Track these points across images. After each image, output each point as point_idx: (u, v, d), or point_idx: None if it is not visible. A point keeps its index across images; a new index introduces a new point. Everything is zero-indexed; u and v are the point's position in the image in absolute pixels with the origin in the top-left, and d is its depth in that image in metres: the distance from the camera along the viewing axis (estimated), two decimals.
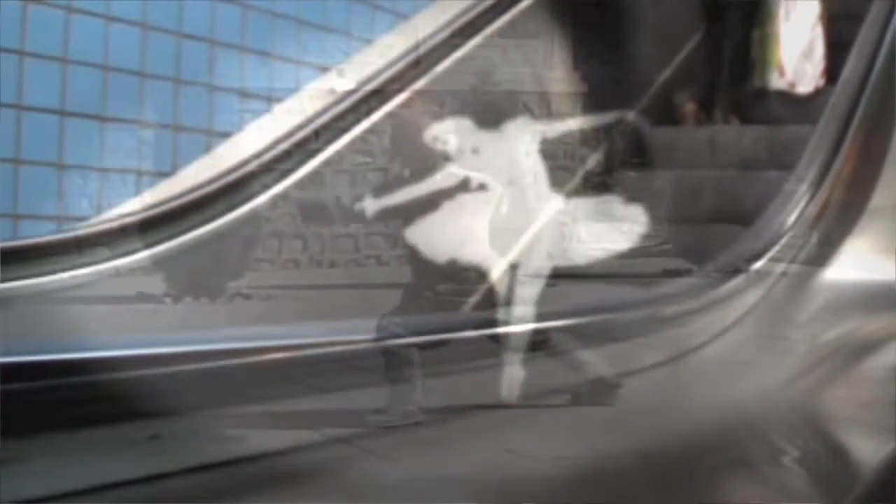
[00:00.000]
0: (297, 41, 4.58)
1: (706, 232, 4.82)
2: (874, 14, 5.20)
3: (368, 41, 4.81)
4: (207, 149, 4.28)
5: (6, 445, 2.56)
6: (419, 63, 4.51)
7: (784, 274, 4.41)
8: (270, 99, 4.47)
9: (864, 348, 4.20)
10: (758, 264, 4.45)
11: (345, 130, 4.37)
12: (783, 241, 4.53)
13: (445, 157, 3.49)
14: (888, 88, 4.88)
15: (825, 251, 4.53)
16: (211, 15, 4.34)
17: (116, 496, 2.63)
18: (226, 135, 4.33)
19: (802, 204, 4.59)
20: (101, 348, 3.10)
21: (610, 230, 3.62)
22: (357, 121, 4.39)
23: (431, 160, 3.48)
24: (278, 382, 3.32)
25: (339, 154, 4.36)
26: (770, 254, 4.48)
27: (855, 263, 4.49)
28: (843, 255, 4.54)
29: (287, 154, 4.26)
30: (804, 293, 4.42)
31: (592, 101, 4.71)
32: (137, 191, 4.09)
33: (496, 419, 3.48)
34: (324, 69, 4.66)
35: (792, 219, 4.57)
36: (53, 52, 3.84)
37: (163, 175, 4.16)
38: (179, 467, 2.80)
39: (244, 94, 4.41)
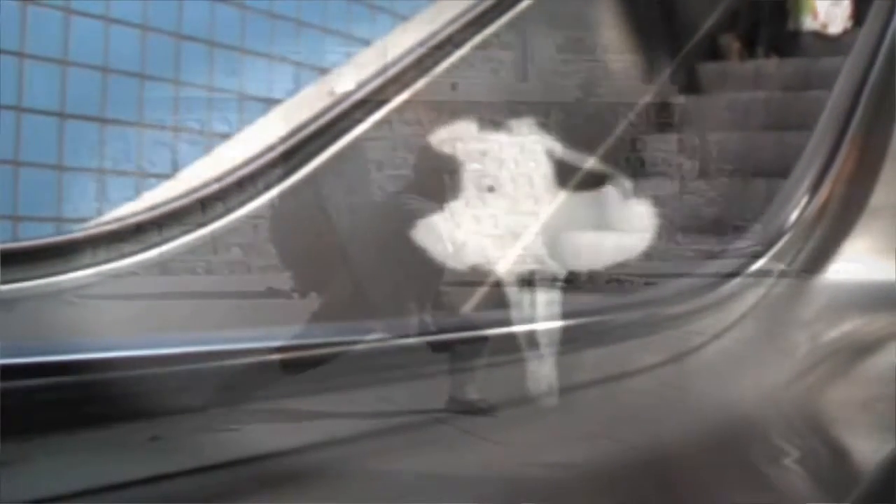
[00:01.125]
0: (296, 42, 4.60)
1: (761, 137, 5.63)
2: None
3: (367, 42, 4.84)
4: (207, 150, 4.29)
5: (7, 446, 2.55)
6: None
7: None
8: (270, 100, 4.49)
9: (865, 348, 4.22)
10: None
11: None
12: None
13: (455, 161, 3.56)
14: None
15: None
16: (210, 16, 4.35)
17: (117, 497, 2.63)
18: (225, 136, 4.34)
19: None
20: (102, 349, 3.10)
21: None
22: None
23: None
24: (279, 382, 3.33)
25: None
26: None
27: None
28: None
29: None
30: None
31: (650, 45, 5.70)
32: (137, 192, 4.09)
33: (497, 419, 3.48)
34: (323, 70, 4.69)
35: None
36: (53, 54, 3.84)
37: (162, 177, 4.17)
38: (180, 468, 2.80)
39: (244, 95, 4.42)
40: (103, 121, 3.99)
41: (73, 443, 2.78)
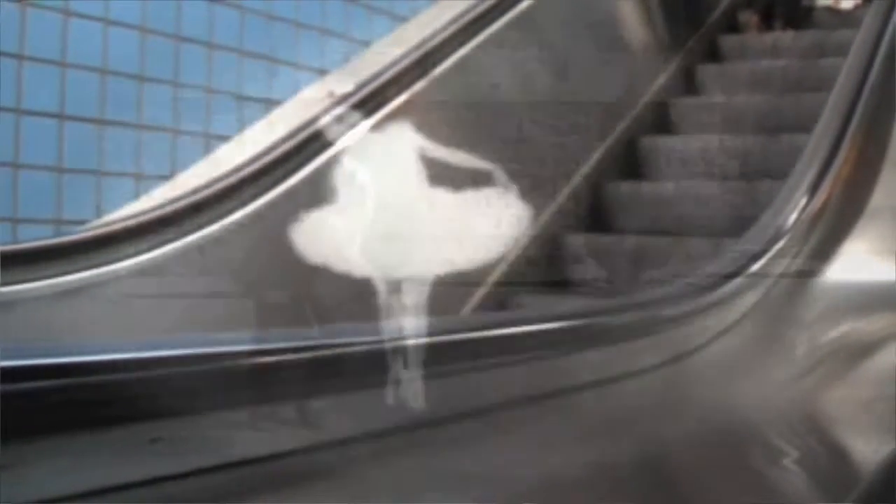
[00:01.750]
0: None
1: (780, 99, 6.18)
2: None
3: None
4: (206, 152, 4.30)
5: (6, 449, 2.55)
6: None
7: None
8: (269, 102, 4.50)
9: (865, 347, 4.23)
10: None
11: None
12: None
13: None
14: None
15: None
16: (209, 18, 4.35)
17: (117, 499, 2.62)
18: (225, 138, 4.35)
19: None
20: (102, 351, 3.09)
21: None
22: None
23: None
24: (279, 384, 3.32)
25: None
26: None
27: None
28: None
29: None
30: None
31: (672, 20, 6.39)
32: (136, 194, 4.10)
33: (495, 420, 3.48)
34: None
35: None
36: (52, 56, 3.84)
37: (162, 179, 4.18)
38: (181, 470, 2.80)
39: (242, 97, 4.43)
40: (102, 122, 4.00)
41: (72, 444, 2.77)
